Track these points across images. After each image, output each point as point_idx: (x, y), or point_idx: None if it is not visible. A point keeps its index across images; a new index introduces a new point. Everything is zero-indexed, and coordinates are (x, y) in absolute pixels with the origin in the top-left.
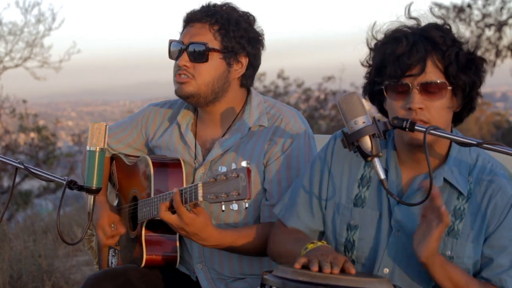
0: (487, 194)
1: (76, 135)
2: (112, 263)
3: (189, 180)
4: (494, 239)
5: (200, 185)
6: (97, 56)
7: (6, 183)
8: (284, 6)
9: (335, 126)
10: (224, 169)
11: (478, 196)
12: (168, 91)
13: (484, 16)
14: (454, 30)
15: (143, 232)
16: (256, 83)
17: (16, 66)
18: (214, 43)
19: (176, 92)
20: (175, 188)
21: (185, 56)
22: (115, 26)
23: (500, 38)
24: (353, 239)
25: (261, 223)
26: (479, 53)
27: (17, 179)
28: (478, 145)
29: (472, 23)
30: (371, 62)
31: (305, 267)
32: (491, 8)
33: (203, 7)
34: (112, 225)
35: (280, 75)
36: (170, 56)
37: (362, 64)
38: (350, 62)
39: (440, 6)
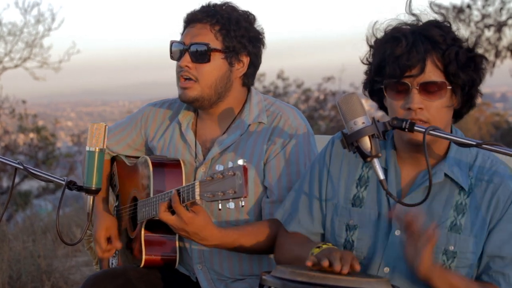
0: (489, 188)
1: (75, 136)
2: (112, 263)
3: (190, 180)
4: (496, 233)
5: (197, 184)
6: (97, 56)
7: (5, 183)
8: (283, 6)
9: (334, 127)
10: (221, 167)
11: (479, 191)
12: (168, 91)
13: (484, 16)
14: (454, 27)
15: (142, 232)
16: (256, 84)
17: (16, 66)
18: (216, 43)
19: (180, 98)
20: (173, 189)
21: (187, 57)
22: (115, 26)
23: (499, 38)
24: (352, 239)
25: (262, 220)
26: (478, 50)
27: (17, 180)
28: (477, 145)
29: (472, 24)
30: (371, 60)
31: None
32: (490, 9)
33: (203, 7)
34: (109, 239)
35: (279, 76)
36: (172, 57)
37: (362, 62)
38: (350, 63)
39: (439, 6)
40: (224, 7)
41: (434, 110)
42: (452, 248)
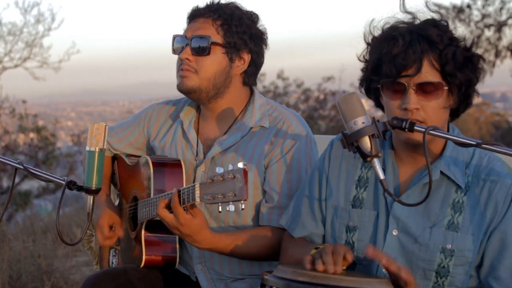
0: (486, 186)
1: (75, 135)
2: (112, 262)
3: (190, 177)
4: (500, 232)
5: (197, 186)
6: (97, 56)
7: (5, 183)
8: (283, 6)
9: (334, 127)
10: (221, 170)
11: (476, 188)
12: (168, 91)
13: (484, 16)
14: (451, 26)
15: (142, 232)
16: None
17: (16, 66)
18: (217, 37)
19: (178, 87)
20: (174, 188)
21: (187, 50)
22: (115, 26)
23: (499, 38)
24: (352, 240)
25: (257, 227)
26: (476, 50)
27: (17, 180)
28: (477, 145)
29: (472, 24)
30: (367, 58)
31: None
32: (490, 9)
33: (207, 4)
34: (112, 227)
35: (279, 76)
36: (174, 51)
37: (359, 59)
38: (349, 62)
39: (439, 6)
40: (228, 5)
41: (430, 110)
42: (450, 246)
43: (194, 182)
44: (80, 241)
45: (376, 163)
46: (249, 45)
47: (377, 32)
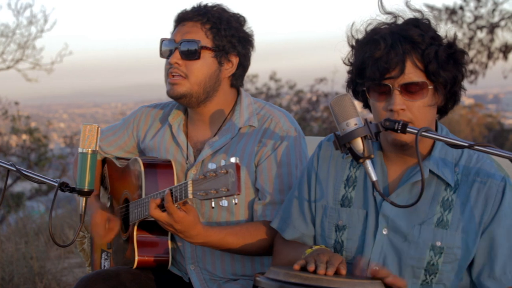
0: (476, 184)
1: (68, 137)
2: (104, 266)
3: (181, 180)
4: (493, 229)
5: (190, 182)
6: (89, 58)
7: None
8: (276, 7)
9: (327, 128)
10: (214, 166)
11: (466, 186)
12: (160, 93)
13: (476, 18)
14: (433, 24)
15: (134, 233)
16: (248, 85)
17: (8, 68)
18: (206, 41)
19: (168, 93)
20: (166, 189)
21: (177, 54)
22: (107, 28)
23: (492, 40)
24: (342, 239)
25: (251, 222)
26: (469, 54)
27: (9, 181)
28: (469, 147)
29: (464, 25)
30: (352, 61)
31: (304, 269)
32: (483, 10)
33: (194, 7)
34: (106, 224)
35: (272, 77)
36: (161, 55)
37: (344, 63)
38: (342, 64)
39: (432, 8)
40: (215, 8)
41: (416, 110)
42: (439, 243)
43: (188, 179)
44: (72, 243)
45: (369, 164)
46: (237, 48)
47: (360, 35)
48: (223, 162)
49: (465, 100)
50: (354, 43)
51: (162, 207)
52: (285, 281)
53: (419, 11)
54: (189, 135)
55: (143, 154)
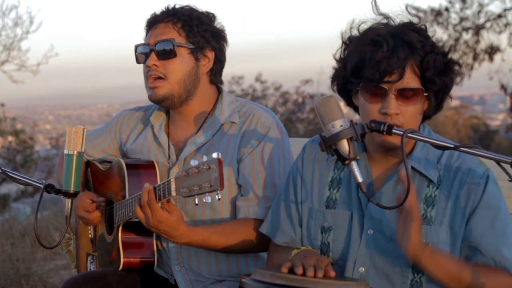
0: (457, 178)
1: (54, 139)
2: (90, 269)
3: (164, 179)
4: (475, 220)
5: (172, 180)
6: (75, 59)
7: None
8: (262, 9)
9: (312, 130)
10: (196, 162)
11: (448, 181)
12: (146, 95)
13: (462, 19)
14: (430, 31)
15: (119, 235)
16: (234, 86)
17: None
18: (180, 39)
19: (150, 98)
20: (150, 185)
21: (153, 56)
22: (93, 29)
23: (477, 41)
24: (328, 241)
25: (234, 220)
26: (454, 55)
27: None
28: (455, 148)
29: (450, 27)
30: (345, 58)
31: (291, 271)
32: (468, 12)
33: (163, 10)
34: (91, 204)
35: (258, 79)
36: (138, 61)
37: (335, 59)
38: (328, 65)
39: (417, 9)
40: (184, 8)
41: (408, 115)
42: (424, 240)
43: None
44: (58, 245)
45: (354, 166)
46: (211, 43)
47: (354, 32)
48: (205, 158)
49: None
50: (348, 41)
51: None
52: (270, 283)
53: (417, 16)
54: (171, 135)
55: (125, 157)
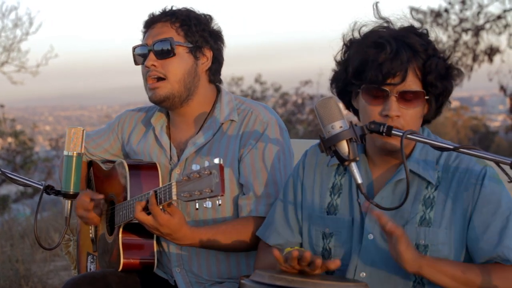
0: (455, 178)
1: (53, 140)
2: (90, 269)
3: (166, 181)
4: (476, 217)
5: (174, 184)
6: (75, 60)
7: None
8: (261, 10)
9: (312, 131)
10: (197, 167)
11: (447, 182)
12: (146, 96)
13: (461, 20)
14: (432, 36)
15: (120, 236)
16: (234, 88)
17: None
18: (178, 38)
19: (151, 99)
20: (151, 190)
21: (151, 56)
22: (93, 30)
23: (477, 42)
24: (329, 247)
25: (236, 219)
26: (455, 57)
27: None
28: (455, 149)
29: (449, 28)
30: (346, 59)
31: (289, 272)
32: (468, 13)
33: (160, 10)
34: (91, 204)
35: (257, 80)
36: (136, 62)
37: (336, 60)
38: (327, 66)
39: (417, 10)
40: (182, 9)
41: (409, 118)
42: (423, 242)
43: (172, 181)
44: (58, 246)
45: (354, 167)
46: (210, 42)
47: (355, 35)
48: (206, 163)
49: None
50: (350, 43)
51: (147, 209)
52: (270, 284)
53: (419, 21)
54: (172, 136)
55: (128, 157)
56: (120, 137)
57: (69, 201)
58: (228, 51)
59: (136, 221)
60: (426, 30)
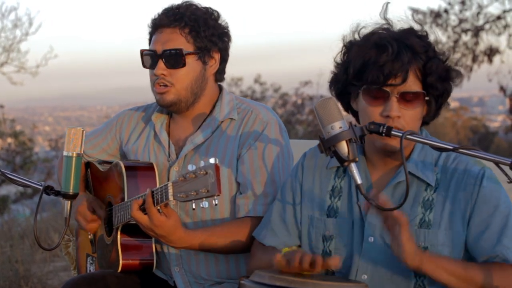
0: (454, 179)
1: (53, 140)
2: (90, 270)
3: (164, 178)
4: (475, 218)
5: (170, 184)
6: (74, 61)
7: None
8: (261, 10)
9: (312, 131)
10: (193, 167)
11: (445, 183)
12: (145, 96)
13: (461, 21)
14: (432, 37)
15: (118, 237)
16: (233, 88)
17: None
18: (188, 46)
19: (158, 102)
20: (148, 189)
21: (161, 65)
22: (93, 31)
23: (476, 43)
24: (329, 249)
25: (232, 220)
26: (454, 58)
27: None
28: (454, 150)
29: (449, 28)
30: (347, 61)
31: (288, 272)
32: (467, 13)
33: (167, 11)
34: (93, 211)
35: (257, 80)
36: (144, 66)
37: (336, 62)
38: (327, 67)
39: (417, 11)
40: (189, 8)
41: (409, 119)
42: (422, 244)
43: (168, 181)
44: (57, 246)
45: (353, 167)
46: (218, 44)
47: (355, 37)
48: (202, 163)
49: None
50: (350, 44)
51: (144, 209)
52: (270, 285)
53: (419, 23)
54: (172, 134)
55: (125, 157)
56: (118, 136)
57: (69, 202)
58: (231, 46)
59: (134, 222)
60: (426, 32)
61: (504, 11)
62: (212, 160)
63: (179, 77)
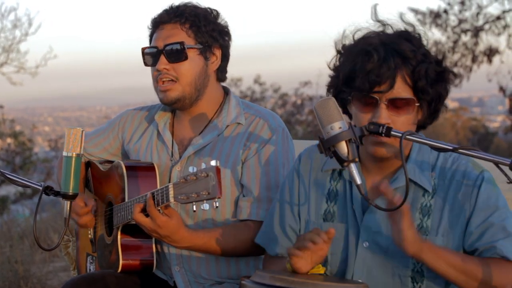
0: (452, 185)
1: (52, 141)
2: (90, 269)
3: (166, 178)
4: (473, 222)
5: (171, 186)
6: (74, 61)
7: None
8: (260, 10)
9: (311, 131)
10: (194, 169)
11: (443, 189)
12: (145, 97)
13: (461, 21)
14: (423, 38)
15: (118, 237)
16: (233, 88)
17: None
18: (189, 40)
19: (162, 100)
20: (148, 192)
21: (163, 59)
22: (92, 31)
23: (476, 43)
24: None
25: (235, 223)
26: (454, 58)
27: None
28: (454, 150)
29: (449, 29)
30: (338, 66)
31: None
32: (467, 14)
33: (167, 9)
34: (85, 203)
35: (256, 80)
36: (146, 64)
37: (329, 67)
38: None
39: (416, 11)
40: (188, 6)
41: (400, 125)
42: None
43: (169, 183)
44: (57, 247)
45: (353, 168)
46: (219, 41)
47: (348, 41)
48: (203, 165)
49: (450, 103)
50: (342, 50)
51: (145, 211)
52: (270, 285)
53: (411, 25)
54: (175, 133)
55: (127, 157)
56: (120, 136)
57: (68, 202)
58: (232, 45)
59: (134, 222)
60: (419, 34)
61: (504, 12)
62: (213, 163)
63: (183, 71)
